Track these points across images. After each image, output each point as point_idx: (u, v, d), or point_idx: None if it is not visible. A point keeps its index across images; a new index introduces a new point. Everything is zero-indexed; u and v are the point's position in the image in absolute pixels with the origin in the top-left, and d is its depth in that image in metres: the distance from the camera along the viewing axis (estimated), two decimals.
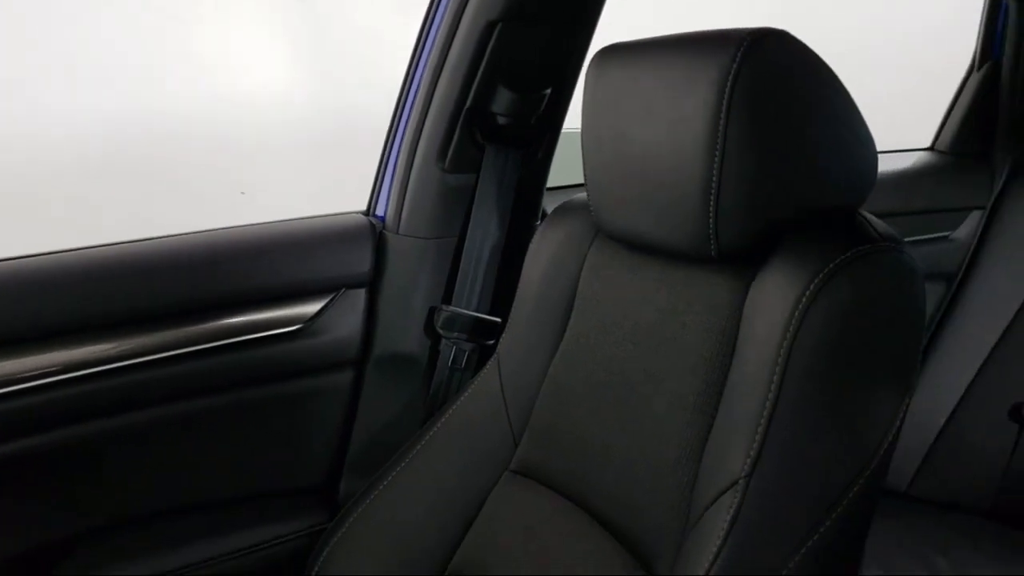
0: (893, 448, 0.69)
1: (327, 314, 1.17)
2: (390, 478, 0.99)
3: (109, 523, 1.10)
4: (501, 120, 1.16)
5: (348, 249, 1.18)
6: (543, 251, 0.98)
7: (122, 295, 1.04)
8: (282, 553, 1.16)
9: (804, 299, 0.68)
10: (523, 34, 1.10)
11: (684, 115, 0.73)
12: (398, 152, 1.21)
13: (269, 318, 1.14)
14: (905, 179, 1.67)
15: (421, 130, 1.17)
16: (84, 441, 1.05)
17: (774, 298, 0.71)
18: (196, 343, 1.09)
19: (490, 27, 1.08)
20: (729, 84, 0.69)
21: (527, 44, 1.11)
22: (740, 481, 0.67)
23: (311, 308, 1.16)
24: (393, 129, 1.22)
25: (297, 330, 1.15)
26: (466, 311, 1.20)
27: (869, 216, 0.76)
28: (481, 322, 1.19)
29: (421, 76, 1.16)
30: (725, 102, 0.69)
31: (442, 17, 1.12)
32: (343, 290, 1.18)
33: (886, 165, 1.72)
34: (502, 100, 1.15)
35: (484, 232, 1.20)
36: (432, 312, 1.21)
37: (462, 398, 1.01)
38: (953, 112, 1.72)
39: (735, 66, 0.69)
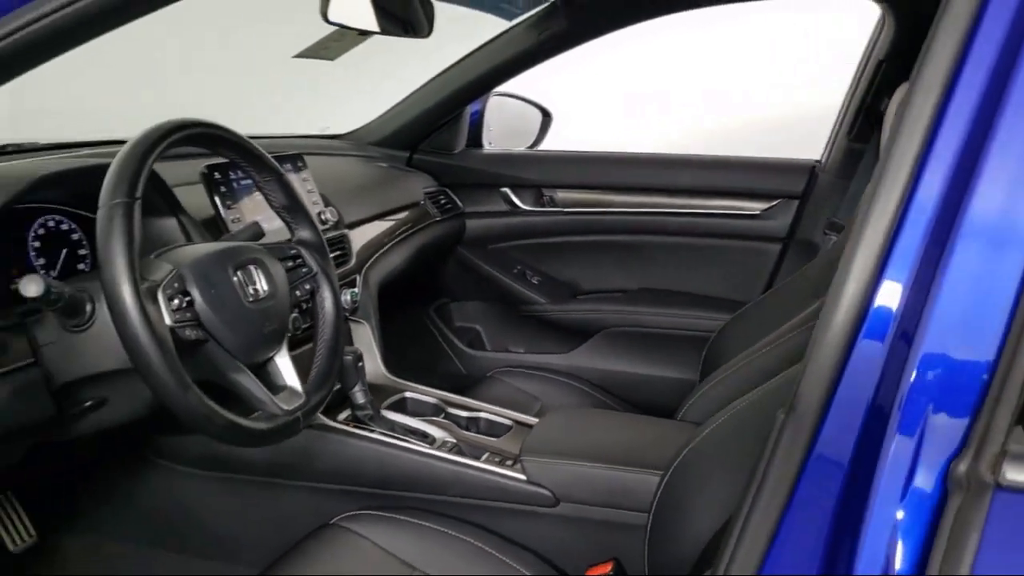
0: None
1: (771, 210, 2.16)
2: None
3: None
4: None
5: (792, 174, 2.15)
6: None
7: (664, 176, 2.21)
8: None
9: None
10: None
11: None
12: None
13: (743, 205, 2.19)
14: None
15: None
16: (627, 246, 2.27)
17: None
18: (693, 208, 2.21)
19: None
20: None
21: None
22: None
23: (763, 205, 2.17)
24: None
25: (755, 214, 2.17)
26: None
27: None
28: None
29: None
30: None
31: None
32: (783, 199, 2.16)
33: None
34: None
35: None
36: None
37: None
38: None
39: None
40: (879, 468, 0.56)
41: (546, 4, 1.95)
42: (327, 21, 1.38)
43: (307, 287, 1.25)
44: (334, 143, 2.31)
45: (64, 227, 1.25)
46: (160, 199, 1.30)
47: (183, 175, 1.39)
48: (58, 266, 1.23)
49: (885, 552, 0.54)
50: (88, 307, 1.01)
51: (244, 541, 1.51)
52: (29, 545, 1.56)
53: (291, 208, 1.25)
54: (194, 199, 1.37)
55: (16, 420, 1.01)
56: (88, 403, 1.10)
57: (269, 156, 1.21)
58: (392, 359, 1.77)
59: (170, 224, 1.31)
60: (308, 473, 1.43)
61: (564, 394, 2.04)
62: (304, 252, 1.26)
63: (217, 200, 1.41)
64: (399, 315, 2.35)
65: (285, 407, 1.10)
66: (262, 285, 1.12)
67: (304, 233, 1.27)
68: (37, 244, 1.21)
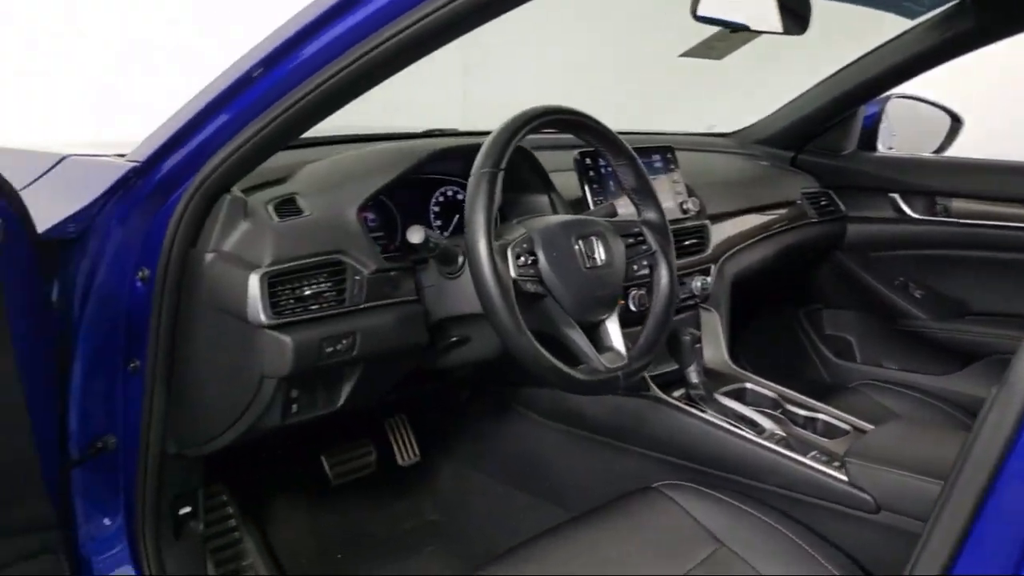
0: None
1: None
2: None
3: None
4: None
5: None
6: None
7: None
8: None
9: None
10: None
11: None
12: None
13: None
14: None
15: None
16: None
17: None
18: None
19: None
20: None
21: None
22: None
23: None
24: None
25: None
26: None
27: None
28: None
29: None
30: None
31: None
32: None
33: None
34: None
35: None
36: None
37: None
38: None
39: None
40: None
41: (953, 2, 1.81)
42: (695, 17, 1.46)
43: (645, 263, 1.36)
44: (717, 140, 2.38)
45: (459, 197, 1.51)
46: (538, 180, 1.50)
47: (560, 162, 1.59)
48: (451, 228, 1.50)
49: None
50: (460, 259, 1.24)
51: (572, 490, 1.67)
52: (413, 462, 1.91)
53: (639, 190, 1.36)
54: (567, 182, 1.56)
55: (401, 341, 1.27)
56: (454, 339, 1.33)
57: (624, 142, 1.34)
58: (751, 355, 1.81)
59: (543, 200, 1.51)
60: (639, 439, 1.54)
61: (933, 419, 1.89)
62: (647, 231, 1.37)
63: (585, 184, 1.58)
64: (765, 313, 2.35)
65: (608, 365, 1.22)
66: (600, 255, 1.25)
67: (649, 214, 1.38)
68: (436, 209, 1.48)
